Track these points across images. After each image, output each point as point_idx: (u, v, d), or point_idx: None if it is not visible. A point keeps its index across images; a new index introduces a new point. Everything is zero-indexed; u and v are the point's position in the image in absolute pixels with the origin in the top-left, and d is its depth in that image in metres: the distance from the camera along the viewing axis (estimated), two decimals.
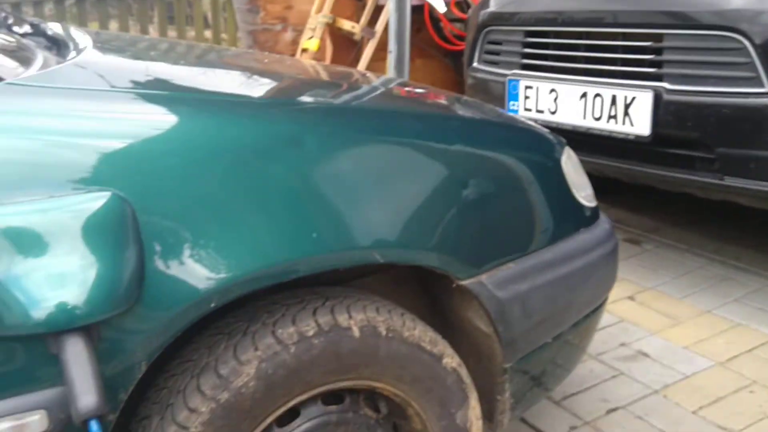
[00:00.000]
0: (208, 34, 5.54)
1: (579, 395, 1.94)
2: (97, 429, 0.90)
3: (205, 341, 1.16)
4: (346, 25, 4.56)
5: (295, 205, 1.09)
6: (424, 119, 1.38)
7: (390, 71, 4.16)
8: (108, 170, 0.98)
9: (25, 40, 1.43)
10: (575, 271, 1.44)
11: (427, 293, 1.51)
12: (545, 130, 1.57)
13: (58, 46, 1.43)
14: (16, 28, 1.53)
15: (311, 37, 4.52)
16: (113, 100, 1.08)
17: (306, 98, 1.33)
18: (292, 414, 1.21)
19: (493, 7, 2.84)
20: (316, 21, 4.54)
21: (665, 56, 2.28)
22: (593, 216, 1.54)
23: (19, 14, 1.60)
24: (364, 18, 4.63)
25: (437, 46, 4.87)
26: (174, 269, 1.00)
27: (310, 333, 1.15)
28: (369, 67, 4.51)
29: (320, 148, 1.14)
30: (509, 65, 2.73)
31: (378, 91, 1.59)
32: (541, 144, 1.49)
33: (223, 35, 5.40)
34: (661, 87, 2.27)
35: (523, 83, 2.59)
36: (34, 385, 0.94)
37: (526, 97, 2.58)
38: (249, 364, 1.10)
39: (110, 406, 0.99)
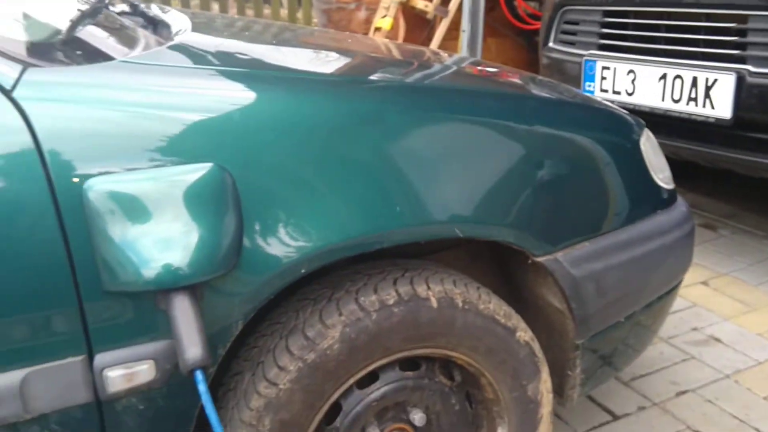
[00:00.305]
0: (283, 12, 5.64)
1: (648, 377, 1.95)
2: (202, 379, 0.99)
3: (293, 306, 1.24)
4: (420, 3, 4.58)
5: (379, 180, 1.15)
6: (502, 98, 1.41)
7: (462, 50, 4.17)
8: (210, 143, 1.05)
9: (128, 22, 1.52)
10: (650, 252, 1.45)
11: (502, 270, 1.55)
12: (624, 112, 1.58)
13: (157, 26, 1.52)
14: (119, 9, 1.63)
15: (384, 16, 4.56)
16: (214, 78, 1.15)
17: (388, 77, 1.38)
18: (372, 377, 1.28)
19: None
20: (390, 0, 4.57)
21: (749, 38, 2.23)
22: (671, 198, 1.55)
23: None
24: None
25: (510, 25, 4.83)
26: (269, 237, 1.07)
27: (391, 301, 1.21)
28: (441, 46, 4.53)
29: (402, 126, 1.19)
30: (586, 45, 2.71)
31: (455, 70, 1.62)
32: (620, 125, 1.50)
33: (298, 14, 5.50)
34: (744, 69, 2.22)
35: (600, 64, 2.57)
36: (143, 338, 1.04)
37: (603, 78, 2.56)
38: (334, 328, 1.17)
39: (211, 360, 1.07)
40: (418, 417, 1.32)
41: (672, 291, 1.60)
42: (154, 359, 1.04)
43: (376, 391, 1.28)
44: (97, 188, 0.97)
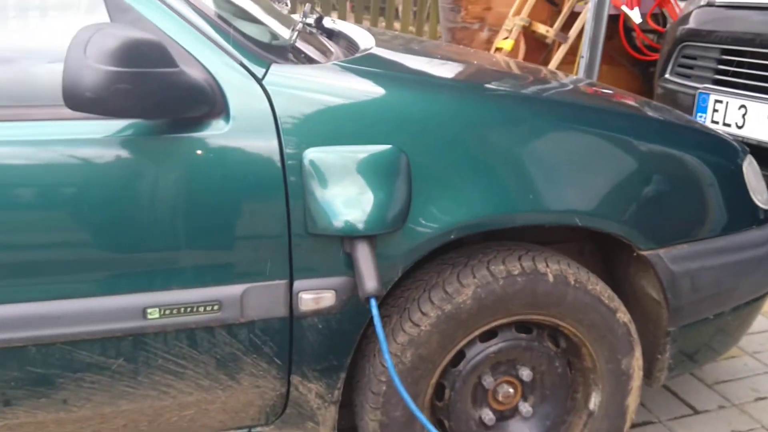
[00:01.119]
0: (412, 28, 6.03)
1: (730, 383, 2.14)
2: (375, 305, 1.31)
3: (435, 268, 1.54)
4: (541, 28, 4.83)
5: (517, 171, 1.44)
6: (625, 117, 1.67)
7: (580, 75, 4.38)
8: (393, 130, 1.37)
9: (314, 33, 1.89)
10: (742, 260, 1.67)
11: (606, 266, 1.80)
12: (730, 138, 1.80)
13: (347, 40, 1.88)
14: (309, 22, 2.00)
15: (506, 38, 4.83)
16: (398, 82, 1.47)
17: (529, 90, 1.68)
18: (491, 334, 1.56)
19: (692, 24, 3.01)
20: (513, 23, 4.84)
21: None
22: (766, 217, 1.76)
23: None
24: (559, 23, 4.87)
25: (627, 55, 5.00)
26: (428, 207, 1.38)
27: (516, 272, 1.49)
28: (558, 69, 4.75)
29: (542, 131, 1.48)
30: (701, 79, 2.90)
31: (580, 90, 1.89)
32: (726, 149, 1.73)
33: (425, 28, 5.85)
34: None
35: (713, 97, 2.76)
36: (329, 273, 1.37)
37: (715, 110, 2.75)
38: (468, 287, 1.47)
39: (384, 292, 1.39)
40: (525, 373, 1.60)
41: (758, 300, 1.81)
42: (336, 290, 1.37)
43: (494, 346, 1.56)
44: (311, 157, 1.31)
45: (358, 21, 6.24)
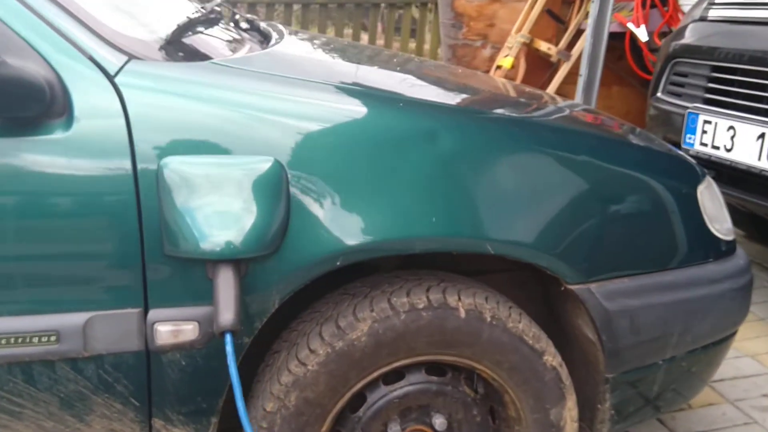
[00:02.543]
0: (412, 44, 5.88)
1: None
2: (229, 340, 1.13)
3: (334, 298, 1.36)
4: (543, 46, 4.63)
5: (416, 189, 1.25)
6: (560, 131, 1.47)
7: (578, 95, 4.17)
8: (274, 140, 1.20)
9: (240, 34, 1.73)
10: (695, 298, 1.45)
11: (546, 300, 1.59)
12: (687, 158, 1.59)
13: (263, 39, 1.72)
14: (240, 24, 1.84)
15: (507, 55, 4.65)
16: (288, 85, 1.30)
17: (441, 96, 1.49)
18: (398, 376, 1.37)
19: (686, 39, 2.80)
20: (514, 40, 4.66)
21: None
22: (728, 250, 1.54)
23: (249, 13, 1.93)
24: (564, 41, 4.68)
25: (636, 75, 4.77)
26: (311, 228, 1.20)
27: (420, 306, 1.30)
28: (560, 90, 4.55)
29: (451, 142, 1.29)
30: (692, 98, 2.68)
31: (509, 98, 1.70)
32: (679, 169, 1.52)
33: (425, 46, 5.71)
34: None
35: (702, 117, 2.54)
36: (191, 301, 1.19)
37: (704, 132, 2.52)
38: (364, 321, 1.28)
39: (246, 330, 1.21)
40: (439, 422, 1.39)
41: (722, 341, 1.58)
42: (198, 321, 1.19)
43: (401, 389, 1.36)
44: (170, 167, 1.14)
45: (355, 39, 6.11)
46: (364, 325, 1.28)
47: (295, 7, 6.09)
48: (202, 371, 1.23)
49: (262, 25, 1.92)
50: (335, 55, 1.84)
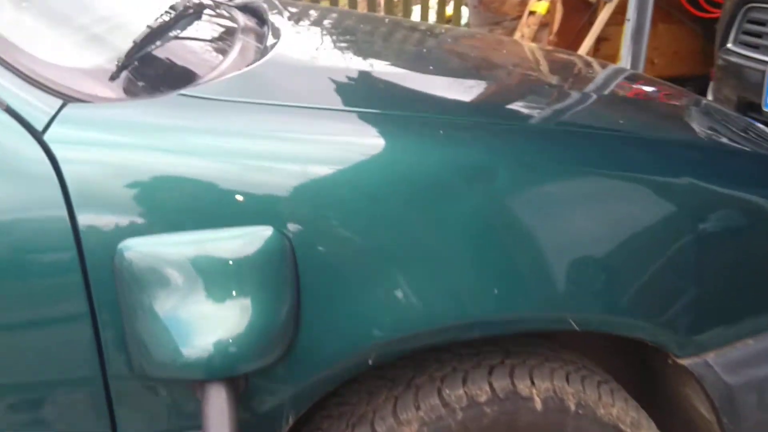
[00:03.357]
0: None
1: None
2: None
3: (367, 385, 1.04)
4: None
5: (472, 253, 0.91)
6: (651, 147, 1.10)
7: (626, 41, 3.73)
8: (268, 200, 0.87)
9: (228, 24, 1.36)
10: None
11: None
12: None
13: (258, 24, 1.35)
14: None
15: None
16: (285, 115, 0.96)
17: (507, 115, 1.13)
18: None
19: None
20: None
21: None
22: None
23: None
24: None
25: (685, 11, 4.28)
26: (329, 321, 0.88)
27: (482, 398, 0.98)
28: (603, 33, 4.11)
29: (514, 183, 0.95)
30: None
31: (599, 99, 1.32)
32: None
33: None
34: None
35: None
36: (177, 428, 0.89)
37: None
38: (409, 425, 0.97)
39: None
40: None
41: None
42: None
43: None
44: (131, 253, 0.82)
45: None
46: (410, 430, 0.97)
47: None
48: None
49: (254, 3, 1.53)
50: (344, 47, 1.45)
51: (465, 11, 5.29)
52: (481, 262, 0.91)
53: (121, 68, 0.95)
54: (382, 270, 0.89)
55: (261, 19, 1.42)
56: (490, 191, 0.93)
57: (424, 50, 1.57)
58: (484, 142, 0.98)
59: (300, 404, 0.91)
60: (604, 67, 1.64)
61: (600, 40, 4.22)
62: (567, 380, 1.03)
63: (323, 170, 0.90)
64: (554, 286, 0.93)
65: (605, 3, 4.19)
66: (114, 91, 0.92)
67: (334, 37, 1.50)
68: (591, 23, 4.27)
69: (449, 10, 5.40)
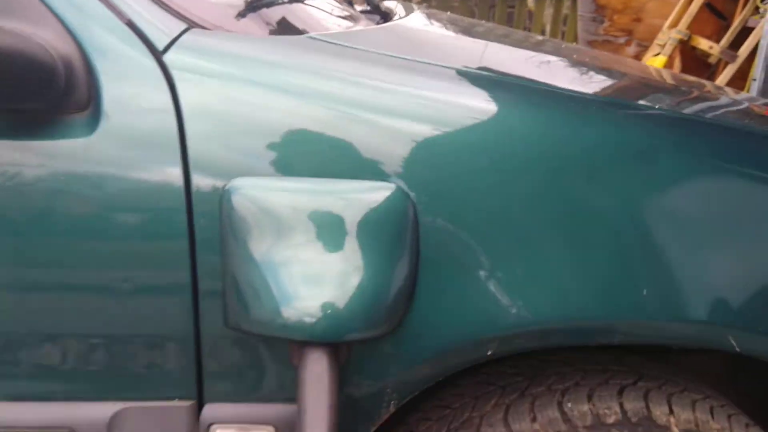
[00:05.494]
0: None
1: None
2: None
3: (472, 389, 0.92)
4: (703, 44, 3.99)
5: (626, 246, 0.79)
6: None
7: None
8: (395, 157, 0.78)
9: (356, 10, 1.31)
10: None
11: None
12: None
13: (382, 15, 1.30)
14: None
15: (658, 54, 4.05)
16: (418, 74, 0.87)
17: (664, 105, 1.01)
18: None
19: None
20: (668, 36, 4.05)
21: None
22: None
23: None
24: (726, 39, 4.02)
25: None
26: (450, 296, 0.77)
27: (611, 419, 0.84)
28: None
29: (677, 170, 0.82)
30: None
31: (738, 109, 1.19)
32: None
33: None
34: None
35: None
36: (265, 396, 0.79)
37: None
38: None
39: None
40: None
41: None
42: (275, 426, 0.79)
43: None
44: (241, 193, 0.74)
45: None
46: None
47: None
48: None
49: (385, 4, 1.49)
50: (478, 34, 1.38)
51: None
52: (633, 256, 0.78)
53: (250, 6, 0.89)
54: (516, 252, 0.78)
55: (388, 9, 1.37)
56: (648, 176, 0.81)
57: (563, 46, 1.49)
58: (641, 125, 0.86)
59: (404, 391, 0.80)
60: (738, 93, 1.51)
61: None
62: (710, 414, 0.88)
63: (460, 135, 0.80)
64: (715, 290, 0.80)
65: (726, 63, 4.01)
66: (238, 25, 0.87)
67: (467, 29, 1.43)
68: None
69: None
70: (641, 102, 0.99)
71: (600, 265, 0.79)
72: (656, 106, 0.97)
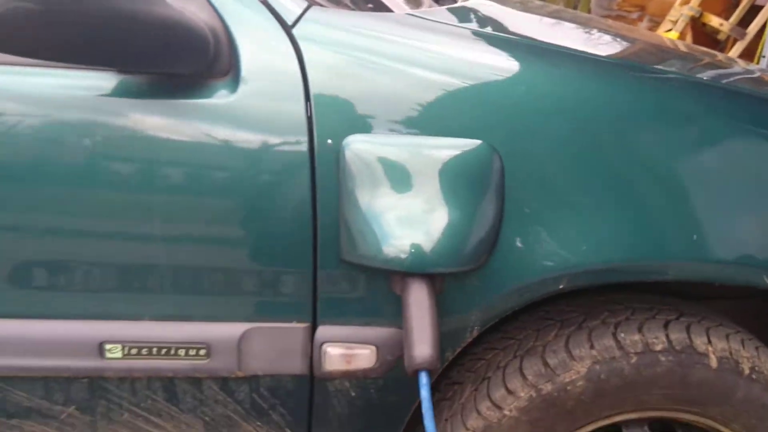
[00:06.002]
0: None
1: None
2: (426, 382, 0.85)
3: (534, 323, 1.06)
4: (714, 21, 4.10)
5: (678, 194, 0.93)
6: None
7: None
8: (483, 117, 0.91)
9: None
10: None
11: None
12: None
13: None
14: None
15: (669, 30, 4.15)
16: (496, 46, 1.00)
17: (703, 75, 1.14)
18: (613, 431, 1.06)
19: None
20: (680, 13, 4.15)
21: None
22: None
23: None
24: (736, 16, 4.12)
25: None
26: (530, 237, 0.91)
27: (658, 347, 0.99)
28: None
29: (717, 130, 0.96)
30: None
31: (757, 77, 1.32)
32: None
33: None
34: None
35: None
36: (369, 320, 0.93)
37: None
38: (581, 361, 0.98)
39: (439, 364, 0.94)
40: None
41: None
42: (377, 346, 0.93)
43: None
44: (356, 147, 0.87)
45: None
46: (582, 366, 0.98)
47: None
48: (375, 406, 0.98)
49: None
50: (541, 13, 1.50)
51: None
52: (685, 207, 0.92)
53: None
54: (586, 200, 0.91)
55: None
56: (694, 137, 0.94)
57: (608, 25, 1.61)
58: (690, 92, 1.00)
59: (486, 318, 0.94)
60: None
61: None
62: (742, 345, 1.02)
63: (542, 100, 0.93)
64: (756, 241, 0.94)
65: (735, 40, 4.11)
66: (344, 3, 0.99)
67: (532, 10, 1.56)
68: None
69: None
70: (685, 72, 1.12)
71: (657, 214, 0.92)
72: (701, 76, 1.10)
